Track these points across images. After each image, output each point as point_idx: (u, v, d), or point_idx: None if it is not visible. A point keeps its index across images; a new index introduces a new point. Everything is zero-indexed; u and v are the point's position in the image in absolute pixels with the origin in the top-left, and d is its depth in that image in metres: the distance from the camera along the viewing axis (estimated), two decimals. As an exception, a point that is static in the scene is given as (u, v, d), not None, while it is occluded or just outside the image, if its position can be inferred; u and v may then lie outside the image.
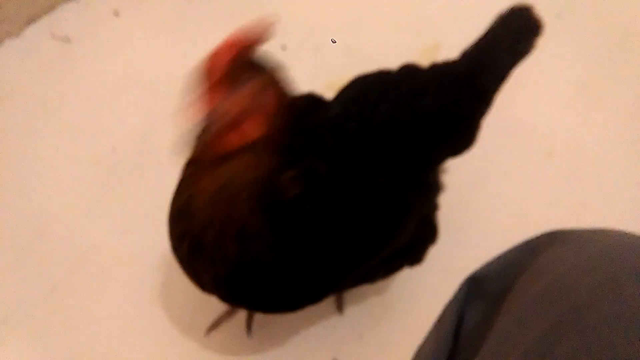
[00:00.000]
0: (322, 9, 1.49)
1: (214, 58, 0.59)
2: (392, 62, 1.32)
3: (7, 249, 1.10)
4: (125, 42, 1.36)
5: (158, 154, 1.22)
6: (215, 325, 1.02)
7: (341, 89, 0.88)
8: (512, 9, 0.90)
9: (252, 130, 0.61)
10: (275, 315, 1.01)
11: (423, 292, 1.09)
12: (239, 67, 0.59)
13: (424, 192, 0.85)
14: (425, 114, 0.81)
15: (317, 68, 1.38)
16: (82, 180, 1.18)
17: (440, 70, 0.87)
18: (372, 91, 0.83)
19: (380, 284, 1.09)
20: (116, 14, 1.42)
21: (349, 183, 0.72)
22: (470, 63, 0.86)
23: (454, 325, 0.56)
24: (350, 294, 1.07)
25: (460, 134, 0.86)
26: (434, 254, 1.12)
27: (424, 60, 1.37)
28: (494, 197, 1.21)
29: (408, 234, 0.84)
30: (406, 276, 1.10)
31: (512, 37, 0.88)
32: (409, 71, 0.88)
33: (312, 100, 0.87)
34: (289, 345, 1.03)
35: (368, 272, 0.87)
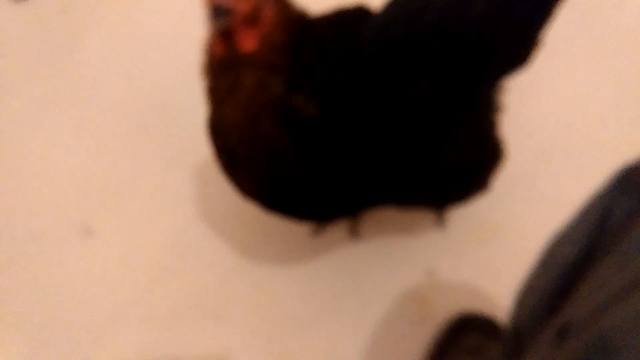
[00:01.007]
0: None
1: None
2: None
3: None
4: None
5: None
6: (318, 230, 1.03)
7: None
8: None
9: (249, 39, 0.65)
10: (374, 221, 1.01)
11: (533, 223, 1.02)
12: None
13: (472, 109, 0.77)
14: (475, 19, 0.69)
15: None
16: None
17: None
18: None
19: (488, 207, 1.04)
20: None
21: (377, 94, 0.70)
22: None
23: (600, 216, 0.52)
24: (456, 213, 1.04)
25: (514, 44, 0.73)
26: (546, 184, 1.06)
27: None
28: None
29: (458, 155, 0.78)
30: (515, 203, 1.05)
31: None
32: None
33: (360, 12, 0.81)
34: (386, 251, 1.03)
35: (414, 191, 0.83)
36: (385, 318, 0.98)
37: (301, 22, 0.69)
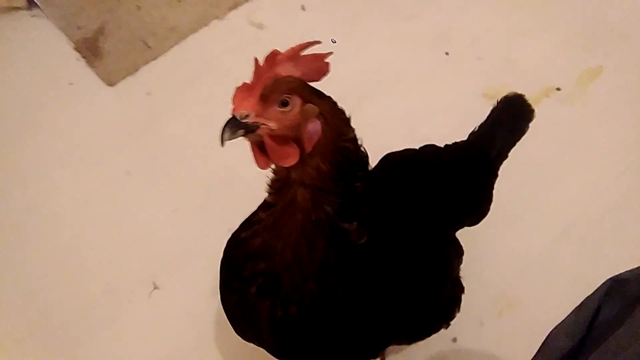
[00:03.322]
0: (487, 19, 1.58)
1: (265, 63, 0.62)
2: (552, 78, 1.40)
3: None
4: (309, 33, 1.57)
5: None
6: None
7: (374, 166, 0.98)
8: (504, 98, 1.06)
9: (287, 156, 0.62)
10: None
11: (549, 297, 1.17)
12: (284, 83, 0.60)
13: (457, 249, 0.97)
14: (447, 186, 0.95)
15: (477, 76, 1.48)
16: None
17: (456, 149, 1.02)
18: (400, 170, 0.98)
19: (509, 281, 1.19)
20: (303, 8, 1.62)
21: (399, 236, 0.80)
22: (479, 142, 1.03)
23: (591, 315, 0.66)
24: (478, 288, 1.17)
25: (476, 202, 1.01)
26: (563, 263, 1.21)
27: (584, 81, 1.43)
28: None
29: (447, 291, 0.96)
30: (533, 277, 1.20)
31: (510, 120, 1.04)
32: (431, 150, 1.03)
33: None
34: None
35: (413, 331, 0.98)
36: (413, 378, 1.11)
37: (347, 146, 0.65)
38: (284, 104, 0.60)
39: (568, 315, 0.68)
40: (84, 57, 1.58)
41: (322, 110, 0.62)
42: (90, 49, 1.59)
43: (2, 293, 1.27)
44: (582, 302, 0.68)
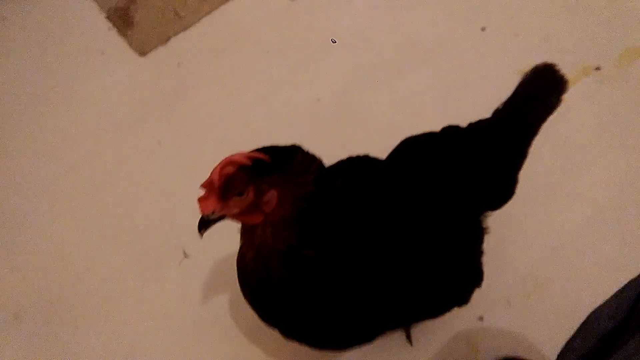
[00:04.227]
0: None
1: (214, 172, 0.71)
2: (591, 57, 1.35)
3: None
4: (341, 6, 1.54)
5: (357, 107, 1.41)
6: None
7: (392, 150, 0.99)
8: (536, 67, 0.97)
9: (254, 219, 0.75)
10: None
11: (578, 280, 1.15)
12: (236, 179, 0.71)
13: (465, 238, 0.93)
14: (468, 169, 0.91)
15: (513, 53, 1.44)
16: (287, 123, 1.40)
17: (479, 129, 0.96)
18: (419, 152, 0.95)
19: (539, 263, 1.18)
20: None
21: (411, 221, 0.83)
22: (503, 120, 0.95)
23: (634, 297, 0.64)
24: (508, 269, 1.17)
25: (498, 187, 0.95)
26: (595, 247, 1.19)
27: (624, 60, 1.38)
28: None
29: (451, 278, 0.91)
30: (563, 260, 1.18)
31: (539, 94, 0.95)
32: (451, 132, 0.98)
33: (366, 161, 0.98)
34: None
35: (415, 313, 0.95)
36: (437, 355, 1.12)
37: (305, 195, 0.73)
38: (240, 194, 0.72)
39: (610, 297, 0.67)
40: (115, 27, 1.59)
41: (271, 183, 0.72)
42: (121, 18, 1.59)
43: (35, 253, 1.31)
44: (626, 284, 0.66)
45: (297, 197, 0.72)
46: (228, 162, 0.70)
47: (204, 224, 0.73)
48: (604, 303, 0.67)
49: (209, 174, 0.71)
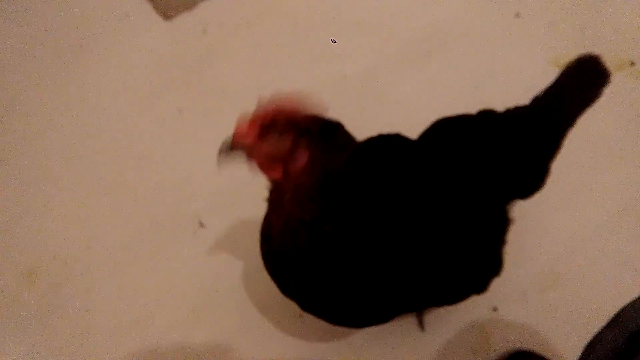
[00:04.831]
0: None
1: (264, 110, 0.72)
2: (626, 52, 1.32)
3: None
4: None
5: (383, 87, 1.38)
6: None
7: (424, 131, 0.97)
8: (579, 58, 0.95)
9: (274, 173, 0.74)
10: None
11: (597, 278, 1.14)
12: (282, 124, 0.71)
13: (491, 225, 0.92)
14: (501, 155, 0.89)
15: (546, 42, 1.41)
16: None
17: (514, 115, 0.94)
18: (453, 134, 0.93)
19: (557, 258, 1.17)
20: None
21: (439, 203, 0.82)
22: (541, 109, 0.93)
23: None
24: (524, 262, 1.16)
25: (530, 176, 0.94)
26: (616, 245, 1.17)
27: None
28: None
29: (472, 265, 0.91)
30: (583, 257, 1.17)
31: (581, 84, 0.93)
32: (487, 116, 0.96)
33: (397, 141, 0.96)
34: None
35: (433, 297, 0.94)
36: (448, 342, 1.11)
37: (334, 169, 0.73)
38: (279, 134, 0.71)
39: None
40: (141, -12, 1.56)
41: (309, 145, 0.71)
42: (147, -20, 1.56)
43: (52, 214, 1.31)
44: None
45: (325, 171, 0.72)
46: (284, 109, 0.71)
47: (227, 149, 0.73)
48: (638, 298, 0.65)
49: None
